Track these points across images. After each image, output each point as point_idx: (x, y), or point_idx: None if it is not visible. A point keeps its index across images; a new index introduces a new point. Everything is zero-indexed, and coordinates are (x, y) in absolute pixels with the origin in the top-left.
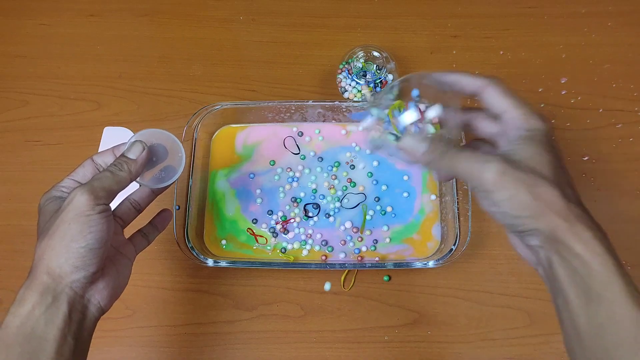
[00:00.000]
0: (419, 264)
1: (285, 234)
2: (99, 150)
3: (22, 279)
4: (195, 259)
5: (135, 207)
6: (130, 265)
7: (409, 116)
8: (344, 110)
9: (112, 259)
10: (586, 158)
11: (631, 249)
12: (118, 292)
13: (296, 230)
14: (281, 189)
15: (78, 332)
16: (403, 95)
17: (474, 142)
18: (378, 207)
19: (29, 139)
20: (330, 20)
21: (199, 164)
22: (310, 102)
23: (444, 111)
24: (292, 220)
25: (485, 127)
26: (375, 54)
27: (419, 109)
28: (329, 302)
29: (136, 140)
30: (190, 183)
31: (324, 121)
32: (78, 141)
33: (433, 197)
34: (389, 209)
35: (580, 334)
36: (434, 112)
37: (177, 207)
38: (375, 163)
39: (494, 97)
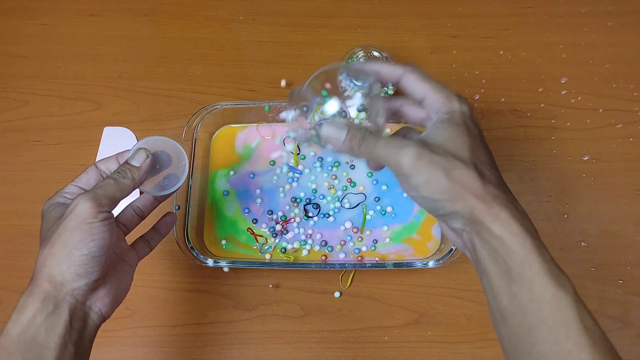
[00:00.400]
0: (419, 264)
1: (285, 234)
2: (99, 151)
3: (22, 278)
4: (195, 259)
5: (138, 213)
6: (132, 272)
7: (331, 106)
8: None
9: (114, 266)
10: (586, 158)
11: (630, 249)
12: (119, 300)
13: (296, 230)
14: (281, 189)
15: (79, 339)
16: (322, 87)
17: (405, 130)
18: (378, 207)
19: (29, 139)
20: (330, 20)
21: (199, 164)
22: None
23: (366, 99)
24: (292, 220)
25: (413, 113)
26: (375, 54)
27: (341, 100)
28: (328, 302)
29: (140, 148)
30: (190, 183)
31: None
32: (78, 141)
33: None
34: (389, 209)
35: (504, 314)
36: (355, 101)
37: (177, 207)
38: None
39: (413, 84)
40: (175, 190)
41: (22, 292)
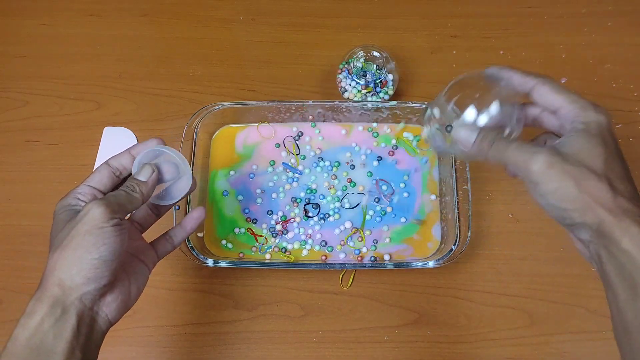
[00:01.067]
0: (419, 264)
1: (285, 234)
2: (99, 151)
3: (22, 278)
4: (195, 259)
5: (154, 212)
6: (148, 273)
7: (469, 114)
8: (344, 110)
9: (126, 269)
10: None
11: None
12: (128, 305)
13: (296, 230)
14: (281, 189)
15: (86, 345)
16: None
17: (545, 136)
18: (378, 207)
19: (29, 139)
20: (330, 20)
21: (199, 164)
22: (310, 102)
23: (502, 108)
24: (292, 220)
25: (550, 121)
26: (375, 53)
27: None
28: (329, 302)
29: (145, 164)
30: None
31: (324, 121)
32: (78, 141)
33: (433, 197)
34: (388, 209)
35: (628, 329)
36: (492, 110)
37: (177, 207)
38: (375, 163)
39: (547, 95)
40: (180, 200)
41: (21, 292)
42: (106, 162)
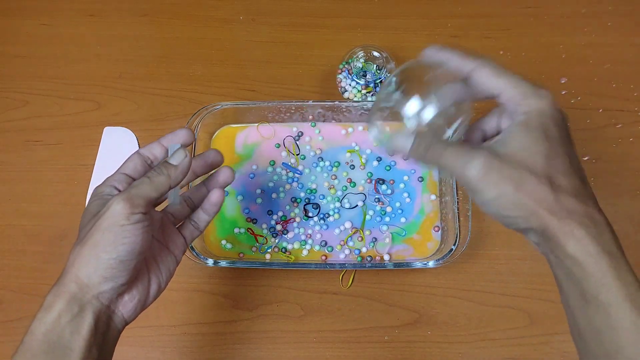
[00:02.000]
0: (419, 264)
1: (285, 234)
2: (99, 151)
3: (21, 278)
4: (196, 259)
5: (188, 204)
6: (175, 265)
7: (411, 106)
8: (344, 110)
9: (150, 264)
10: (586, 158)
11: (631, 249)
12: (145, 305)
13: (296, 230)
14: (281, 189)
15: (103, 343)
16: (401, 87)
17: (493, 118)
18: (378, 207)
19: (29, 139)
20: (330, 20)
21: None
22: (310, 102)
23: (442, 97)
24: (292, 220)
25: (489, 126)
26: (375, 54)
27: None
28: (329, 302)
29: (180, 147)
30: (191, 184)
31: (324, 121)
32: (78, 141)
33: (433, 197)
34: (388, 209)
35: (582, 335)
36: (430, 102)
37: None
38: (375, 163)
39: (487, 79)
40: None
41: (21, 292)
42: (137, 152)
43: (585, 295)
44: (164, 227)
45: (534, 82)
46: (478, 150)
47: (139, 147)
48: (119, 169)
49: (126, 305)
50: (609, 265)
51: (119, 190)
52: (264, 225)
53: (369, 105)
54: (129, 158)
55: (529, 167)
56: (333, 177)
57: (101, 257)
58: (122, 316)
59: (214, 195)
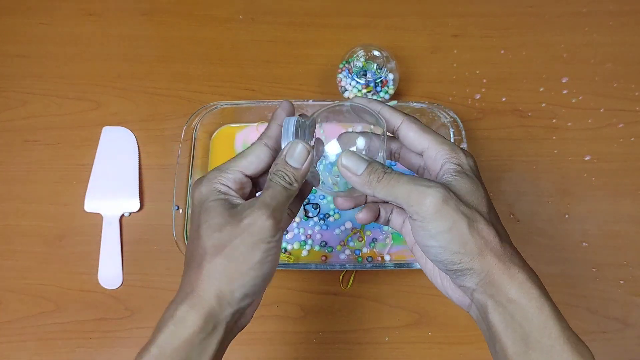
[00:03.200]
0: (419, 265)
1: (285, 234)
2: (98, 150)
3: (21, 279)
4: None
5: (290, 215)
6: (278, 257)
7: (331, 147)
8: (344, 110)
9: None
10: (587, 158)
11: (631, 249)
12: (255, 309)
13: (296, 231)
14: None
15: (220, 356)
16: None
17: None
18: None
19: (27, 138)
20: (330, 20)
21: (198, 163)
22: (310, 102)
23: (371, 140)
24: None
25: (412, 159)
26: (376, 53)
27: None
28: (329, 303)
29: (300, 143)
30: (190, 183)
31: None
32: (77, 141)
33: None
34: None
35: None
36: (360, 143)
37: (176, 207)
38: None
39: (413, 134)
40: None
41: (21, 292)
42: (263, 142)
43: (527, 339)
44: None
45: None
46: (435, 183)
47: (138, 147)
48: (236, 161)
49: (247, 315)
50: (550, 309)
51: (235, 194)
52: None
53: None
54: (253, 150)
55: (477, 209)
56: (336, 175)
57: (248, 275)
58: (241, 325)
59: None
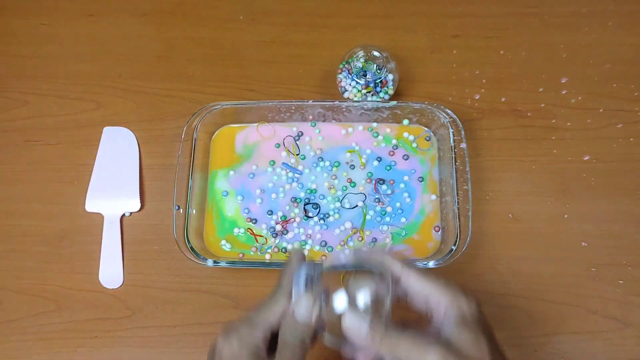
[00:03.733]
0: (419, 264)
1: (285, 234)
2: (99, 151)
3: (21, 279)
4: (195, 259)
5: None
6: None
7: (339, 300)
8: (344, 110)
9: None
10: (587, 158)
11: (631, 249)
12: None
13: (296, 230)
14: (281, 189)
15: None
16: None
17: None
18: (378, 208)
19: (28, 138)
20: (330, 20)
21: (198, 164)
22: (310, 102)
23: (378, 286)
24: (292, 220)
25: (418, 303)
26: (376, 53)
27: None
28: None
29: (306, 292)
30: (190, 183)
31: (324, 121)
32: (77, 141)
33: (433, 197)
34: (389, 209)
35: None
36: (366, 294)
37: (177, 207)
38: (375, 163)
39: (413, 282)
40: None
41: (21, 292)
42: (283, 293)
43: None
44: None
45: (457, 285)
46: (434, 341)
47: (139, 147)
48: (263, 311)
49: None
50: None
51: (260, 347)
52: (264, 226)
53: (369, 105)
54: (274, 300)
55: None
56: (333, 177)
57: None
58: None
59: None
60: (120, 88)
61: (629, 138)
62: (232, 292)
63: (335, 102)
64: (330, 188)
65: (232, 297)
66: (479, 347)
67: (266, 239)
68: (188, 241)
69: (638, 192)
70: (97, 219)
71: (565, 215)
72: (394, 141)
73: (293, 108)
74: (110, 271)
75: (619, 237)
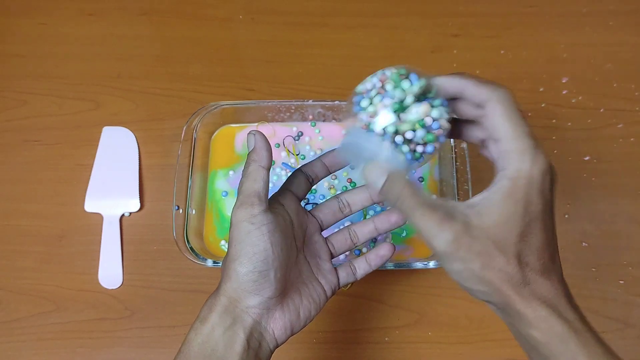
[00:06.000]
0: (419, 265)
1: None
2: (98, 151)
3: (21, 279)
4: (195, 260)
5: (342, 208)
6: (324, 299)
7: (383, 118)
8: (344, 110)
9: (300, 287)
10: (587, 158)
11: (631, 249)
12: (294, 329)
13: None
14: None
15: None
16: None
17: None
18: (378, 208)
19: (27, 138)
20: (331, 20)
21: (198, 163)
22: (310, 102)
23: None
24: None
25: (492, 149)
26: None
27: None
28: (329, 303)
29: (249, 132)
30: (190, 183)
31: (324, 121)
32: (77, 141)
33: (434, 197)
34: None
35: None
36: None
37: (176, 207)
38: None
39: (494, 118)
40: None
41: (21, 292)
42: (299, 169)
43: None
44: (317, 256)
45: (536, 139)
46: (449, 222)
47: (138, 147)
48: (284, 184)
49: (277, 322)
50: (577, 345)
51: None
52: None
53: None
54: (292, 174)
55: (500, 244)
56: (333, 177)
57: (239, 271)
58: (273, 334)
59: (383, 249)
60: (119, 88)
61: (629, 138)
62: None
63: (335, 102)
64: (330, 188)
65: None
66: (509, 226)
67: None
68: (187, 241)
69: (638, 192)
70: (97, 219)
71: (566, 215)
72: None
73: (293, 108)
74: (110, 271)
75: (619, 237)
